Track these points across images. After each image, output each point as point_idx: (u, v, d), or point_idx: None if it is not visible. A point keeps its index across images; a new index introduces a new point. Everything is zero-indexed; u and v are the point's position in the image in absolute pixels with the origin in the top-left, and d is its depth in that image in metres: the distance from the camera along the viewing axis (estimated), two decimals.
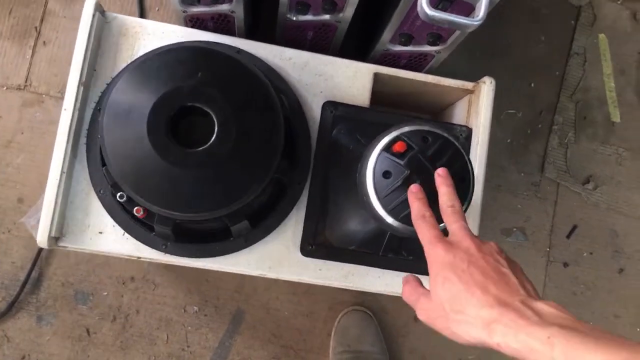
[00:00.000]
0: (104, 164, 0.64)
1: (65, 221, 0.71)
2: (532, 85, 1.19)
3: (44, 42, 1.06)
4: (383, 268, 0.74)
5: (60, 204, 0.68)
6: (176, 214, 0.60)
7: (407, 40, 0.74)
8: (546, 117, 1.18)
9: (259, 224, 0.72)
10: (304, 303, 1.05)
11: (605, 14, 1.24)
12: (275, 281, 1.03)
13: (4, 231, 0.99)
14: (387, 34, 0.74)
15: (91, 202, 0.71)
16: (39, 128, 1.04)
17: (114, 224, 0.71)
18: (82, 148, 0.71)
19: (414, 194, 0.56)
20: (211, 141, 0.60)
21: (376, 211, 0.60)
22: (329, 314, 1.05)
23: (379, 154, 0.60)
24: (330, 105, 0.76)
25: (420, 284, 0.52)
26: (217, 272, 0.91)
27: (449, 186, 0.55)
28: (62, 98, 1.04)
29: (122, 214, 0.70)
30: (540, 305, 0.41)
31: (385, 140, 0.61)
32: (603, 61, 1.23)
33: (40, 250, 0.98)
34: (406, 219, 0.59)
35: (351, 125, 0.76)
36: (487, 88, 0.78)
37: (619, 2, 1.24)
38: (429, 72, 0.80)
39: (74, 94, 0.70)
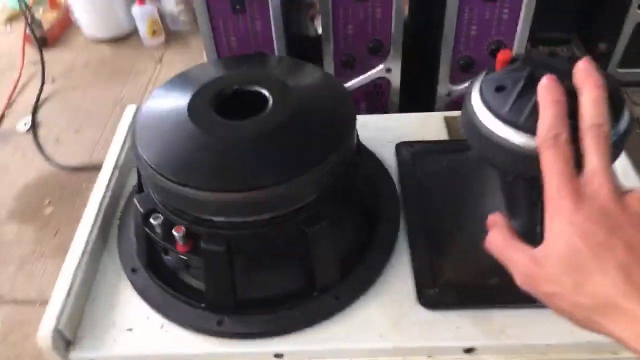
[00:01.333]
0: (140, 190, 0.49)
1: (82, 322, 0.50)
2: None
3: None
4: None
5: (75, 296, 0.49)
6: (231, 197, 0.42)
7: (468, 63, 0.67)
8: None
9: (349, 275, 0.50)
10: None
11: None
12: None
13: None
14: (443, 68, 0.67)
15: (119, 294, 0.52)
16: None
17: (149, 315, 0.50)
18: (113, 236, 0.57)
19: (546, 89, 0.37)
20: (267, 110, 0.47)
21: (501, 139, 0.42)
22: None
23: (482, 81, 0.46)
24: (404, 145, 0.64)
25: (513, 230, 0.39)
26: None
27: (599, 88, 0.36)
28: None
29: (159, 295, 0.50)
30: None
31: (481, 75, 0.47)
32: None
33: None
34: None
35: (433, 157, 0.62)
36: None
37: None
38: None
39: (109, 174, 0.59)
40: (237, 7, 0.61)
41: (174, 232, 0.44)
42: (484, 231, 0.52)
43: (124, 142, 0.64)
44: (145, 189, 0.49)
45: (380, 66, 0.68)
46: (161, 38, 1.54)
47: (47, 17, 1.60)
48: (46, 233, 1.04)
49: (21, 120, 1.32)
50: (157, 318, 0.50)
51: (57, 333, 0.47)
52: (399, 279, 0.52)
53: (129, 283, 0.52)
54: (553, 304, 0.35)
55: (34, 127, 1.29)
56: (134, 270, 0.52)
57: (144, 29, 1.51)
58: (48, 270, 0.98)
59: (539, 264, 0.35)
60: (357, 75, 0.70)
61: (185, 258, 0.47)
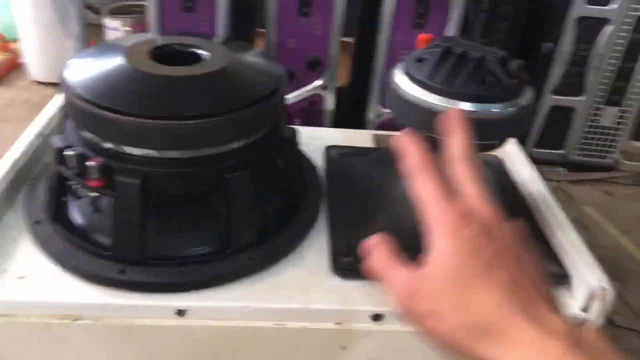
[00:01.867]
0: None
1: None
2: None
3: None
4: None
5: None
6: (151, 124, 0.41)
7: None
8: None
9: (266, 240, 0.49)
10: None
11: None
12: None
13: None
14: (374, 92, 0.72)
15: (18, 246, 0.48)
16: None
17: (46, 266, 0.46)
18: (21, 199, 0.53)
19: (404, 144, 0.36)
20: (201, 62, 0.48)
21: (419, 101, 0.46)
22: None
23: (404, 62, 0.50)
24: (334, 148, 0.66)
25: (397, 249, 0.36)
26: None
27: (464, 131, 0.36)
28: None
29: (60, 244, 0.47)
30: (593, 338, 0.29)
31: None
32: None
33: None
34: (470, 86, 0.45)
35: (360, 158, 0.64)
36: None
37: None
38: None
39: (26, 143, 0.57)
40: (188, 4, 0.64)
41: (88, 164, 0.43)
42: (402, 210, 0.54)
43: (47, 124, 0.62)
44: (67, 129, 0.48)
45: (318, 82, 0.73)
46: None
47: None
48: None
49: None
50: (55, 269, 0.46)
51: None
52: (316, 250, 0.51)
53: (29, 237, 0.49)
54: (430, 325, 0.32)
55: None
56: (37, 222, 0.49)
57: None
58: None
59: (422, 281, 0.32)
60: (295, 89, 0.73)
61: (95, 196, 0.46)
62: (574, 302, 0.48)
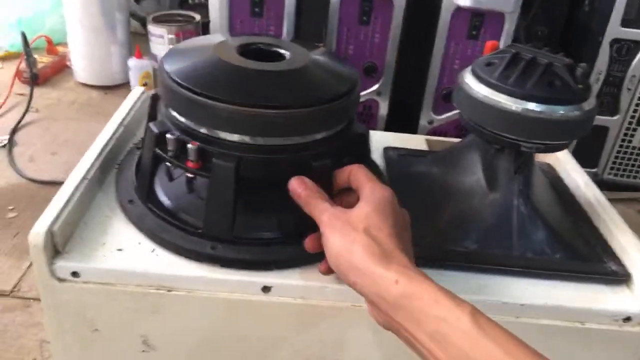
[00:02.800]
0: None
1: (72, 239, 0.50)
2: None
3: None
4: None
5: (69, 212, 0.49)
6: (255, 112, 0.45)
7: (450, 94, 0.75)
8: None
9: None
10: None
11: None
12: None
13: None
14: (427, 98, 0.76)
15: (112, 223, 0.52)
16: (15, 331, 0.81)
17: (141, 241, 0.50)
18: (110, 179, 0.58)
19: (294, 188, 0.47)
20: (285, 59, 0.52)
21: (492, 101, 0.49)
22: None
23: (473, 64, 0.54)
24: (391, 149, 0.69)
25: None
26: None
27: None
28: None
29: (153, 222, 0.51)
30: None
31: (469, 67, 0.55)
32: None
33: None
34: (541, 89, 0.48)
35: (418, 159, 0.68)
36: None
37: None
38: None
39: (113, 129, 0.62)
40: (256, 9, 0.69)
41: (189, 146, 0.47)
42: (464, 204, 0.58)
43: (127, 115, 0.67)
44: (159, 117, 0.52)
45: (373, 87, 0.77)
46: (150, 91, 1.61)
47: (42, 59, 1.66)
48: (5, 233, 1.00)
49: None
50: (149, 244, 0.50)
51: (50, 235, 0.46)
52: None
53: (122, 216, 0.53)
54: (349, 239, 0.41)
55: (10, 145, 1.29)
56: (130, 202, 0.53)
57: (135, 80, 1.58)
58: (1, 266, 0.93)
59: (347, 214, 0.43)
60: None
61: (189, 177, 0.49)
62: (635, 299, 0.51)
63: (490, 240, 0.53)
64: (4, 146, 1.28)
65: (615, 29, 1.16)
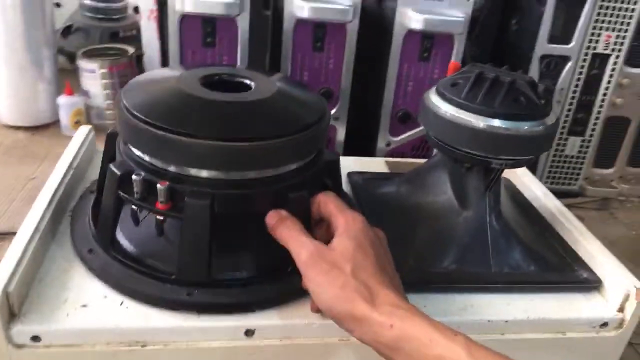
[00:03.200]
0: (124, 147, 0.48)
1: (29, 298, 0.44)
2: None
3: None
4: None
5: (23, 272, 0.44)
6: (228, 145, 0.43)
7: (406, 116, 0.76)
8: None
9: None
10: None
11: None
12: None
13: None
14: (384, 120, 0.76)
15: (71, 277, 0.47)
16: None
17: (106, 294, 0.46)
18: (63, 229, 0.53)
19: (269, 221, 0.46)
20: (250, 90, 0.50)
21: (462, 121, 0.50)
22: None
23: (437, 84, 0.54)
24: (355, 174, 0.68)
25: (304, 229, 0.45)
26: None
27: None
28: None
29: (120, 272, 0.46)
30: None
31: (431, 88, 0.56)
32: None
33: None
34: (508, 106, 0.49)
35: (383, 182, 0.67)
36: None
37: None
38: None
39: (60, 175, 0.57)
40: (208, 39, 0.67)
41: (158, 186, 0.44)
42: (438, 224, 0.57)
43: (75, 157, 0.62)
44: (119, 156, 0.49)
45: (330, 112, 0.76)
46: (88, 128, 1.53)
47: None
48: None
49: None
50: (116, 297, 0.46)
51: (5, 296, 0.41)
52: None
53: (81, 267, 0.49)
54: (328, 279, 0.41)
55: None
56: (90, 251, 0.49)
57: (66, 118, 1.49)
58: None
59: (327, 251, 0.42)
60: None
61: (158, 220, 0.46)
62: (608, 304, 0.52)
63: (468, 259, 0.54)
64: None
65: (543, 46, 1.23)
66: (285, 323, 0.46)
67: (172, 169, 0.45)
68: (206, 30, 0.68)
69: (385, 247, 0.46)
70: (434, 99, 0.53)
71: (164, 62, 0.78)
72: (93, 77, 1.51)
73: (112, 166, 0.47)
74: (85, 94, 1.56)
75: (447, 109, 0.52)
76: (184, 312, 0.45)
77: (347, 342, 0.47)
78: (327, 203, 0.46)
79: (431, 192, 0.58)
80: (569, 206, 1.44)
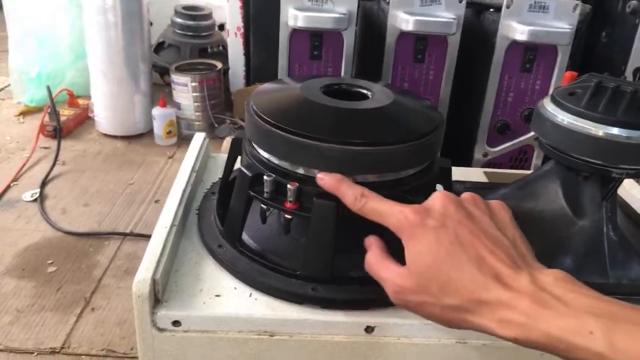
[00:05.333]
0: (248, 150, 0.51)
1: (169, 287, 0.48)
2: None
3: (93, 308, 0.93)
4: None
5: (166, 260, 0.48)
6: (357, 150, 0.45)
7: (504, 127, 0.76)
8: None
9: None
10: None
11: None
12: None
13: None
14: (481, 130, 0.77)
15: (203, 269, 0.51)
16: None
17: (236, 286, 0.49)
18: (189, 226, 0.57)
19: (325, 180, 0.45)
20: (369, 99, 0.53)
21: (582, 129, 0.50)
22: None
23: (551, 94, 0.55)
24: (456, 182, 0.69)
25: (387, 251, 0.42)
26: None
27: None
28: (105, 356, 0.84)
29: (248, 266, 0.50)
30: (553, 282, 0.36)
31: (544, 98, 0.56)
32: None
33: None
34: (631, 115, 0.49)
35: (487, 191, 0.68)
36: None
37: None
38: None
39: (187, 174, 0.62)
40: (315, 52, 0.70)
41: (288, 187, 0.47)
42: (551, 234, 0.57)
43: (195, 161, 0.67)
44: (246, 159, 0.52)
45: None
46: (174, 140, 1.62)
47: (64, 112, 1.67)
48: (47, 288, 0.97)
49: (27, 192, 1.31)
50: (245, 289, 0.49)
51: (152, 282, 0.45)
52: None
53: (211, 261, 0.52)
54: (425, 312, 0.39)
55: (40, 198, 1.28)
56: (220, 246, 0.52)
57: (160, 128, 1.60)
58: (47, 323, 0.90)
59: (406, 278, 0.38)
60: None
61: (286, 219, 0.49)
62: None
63: (584, 270, 0.53)
64: (35, 200, 1.27)
65: (637, 58, 1.19)
66: (404, 322, 0.47)
67: (300, 171, 0.48)
68: (314, 43, 0.71)
69: (477, 224, 0.39)
70: (550, 108, 0.53)
71: (248, 76, 0.83)
72: (185, 90, 1.61)
73: (243, 168, 0.51)
74: (177, 106, 1.66)
75: (564, 117, 0.52)
76: (308, 305, 0.48)
77: (464, 344, 0.48)
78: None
79: (541, 202, 0.58)
80: None
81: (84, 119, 1.73)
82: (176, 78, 1.60)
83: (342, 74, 0.73)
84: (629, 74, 1.21)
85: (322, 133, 0.47)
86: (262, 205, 0.50)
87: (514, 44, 0.73)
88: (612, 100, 0.50)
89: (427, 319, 0.39)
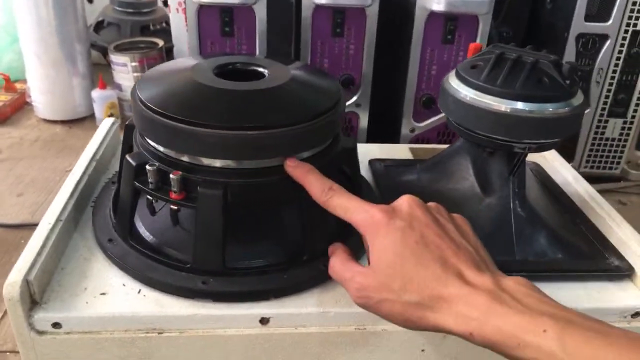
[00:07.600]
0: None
1: (50, 287, 0.46)
2: None
3: None
4: None
5: (45, 260, 0.45)
6: (240, 134, 0.43)
7: (430, 100, 0.74)
8: None
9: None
10: None
11: None
12: None
13: None
14: (407, 105, 0.75)
15: (92, 265, 0.48)
16: None
17: (125, 282, 0.47)
18: (85, 219, 0.54)
19: (295, 168, 0.45)
20: (264, 78, 0.50)
21: (482, 104, 0.48)
22: None
23: (457, 67, 0.52)
24: (376, 161, 0.67)
25: (351, 255, 0.43)
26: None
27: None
28: None
29: (138, 261, 0.47)
30: (513, 286, 0.36)
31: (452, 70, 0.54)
32: None
33: None
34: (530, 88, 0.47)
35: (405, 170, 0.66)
36: None
37: None
38: None
39: (84, 166, 0.58)
40: (227, 29, 0.67)
41: (171, 176, 0.44)
42: (459, 212, 0.56)
43: (98, 149, 0.63)
44: (135, 147, 0.49)
45: (352, 100, 0.75)
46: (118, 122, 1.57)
47: (0, 97, 1.59)
48: None
49: None
50: (134, 285, 0.47)
51: (26, 285, 0.42)
52: None
53: (102, 256, 0.50)
54: (385, 310, 0.38)
55: None
56: (110, 241, 0.50)
57: (100, 112, 1.53)
58: None
59: (369, 277, 0.38)
60: None
61: (175, 209, 0.46)
62: None
63: (491, 247, 0.51)
64: None
65: (579, 24, 1.17)
66: (300, 311, 0.46)
67: (185, 159, 0.45)
68: (224, 19, 0.67)
69: (441, 226, 0.40)
70: (454, 83, 0.51)
71: (199, 51, 0.79)
72: (124, 70, 1.54)
73: (128, 157, 0.48)
74: (118, 87, 1.59)
75: (466, 93, 0.50)
76: (199, 300, 0.45)
77: (363, 330, 0.46)
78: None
79: (453, 179, 0.56)
80: (609, 191, 1.40)
81: (22, 105, 1.65)
82: (115, 58, 1.53)
83: (257, 51, 0.70)
84: (571, 41, 1.20)
85: (203, 118, 0.44)
86: (148, 196, 0.47)
87: (433, 14, 0.70)
88: (512, 73, 0.49)
89: (386, 319, 0.38)
